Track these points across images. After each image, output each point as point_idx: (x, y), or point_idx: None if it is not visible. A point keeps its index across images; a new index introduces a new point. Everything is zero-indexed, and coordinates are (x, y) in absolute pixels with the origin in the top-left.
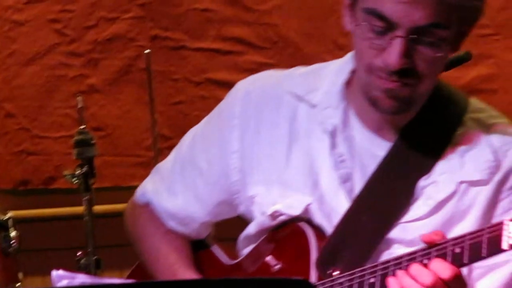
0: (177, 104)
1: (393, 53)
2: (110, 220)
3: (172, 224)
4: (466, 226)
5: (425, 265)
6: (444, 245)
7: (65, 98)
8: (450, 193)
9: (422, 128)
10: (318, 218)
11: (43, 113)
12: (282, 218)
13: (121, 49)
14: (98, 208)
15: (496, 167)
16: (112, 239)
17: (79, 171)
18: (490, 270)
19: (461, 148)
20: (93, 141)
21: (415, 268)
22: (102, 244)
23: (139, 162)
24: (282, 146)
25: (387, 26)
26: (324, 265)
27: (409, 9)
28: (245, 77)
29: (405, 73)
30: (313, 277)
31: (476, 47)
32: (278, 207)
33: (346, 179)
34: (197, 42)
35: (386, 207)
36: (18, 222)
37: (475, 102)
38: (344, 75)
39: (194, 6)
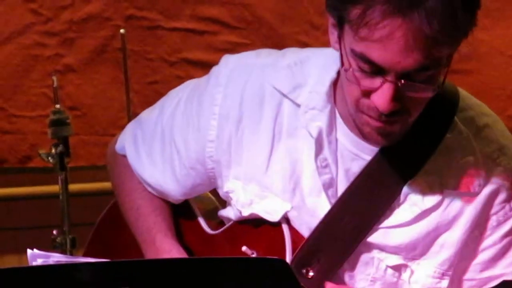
0: (152, 84)
1: (383, 98)
2: (85, 199)
3: (148, 189)
4: (453, 235)
5: None
6: None
7: (41, 78)
8: (436, 202)
9: (411, 132)
10: (296, 224)
11: (18, 92)
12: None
13: (96, 28)
14: (73, 187)
15: (486, 178)
16: (87, 217)
17: (55, 150)
18: (483, 284)
19: (450, 155)
20: (68, 121)
21: None
22: (78, 223)
23: None
24: (265, 143)
25: (376, 70)
26: (299, 265)
27: (399, 57)
28: (219, 57)
29: (395, 113)
30: None
31: None
32: (255, 209)
33: (329, 185)
34: (172, 22)
35: (367, 210)
36: None
37: (465, 96)
38: (330, 74)
39: None
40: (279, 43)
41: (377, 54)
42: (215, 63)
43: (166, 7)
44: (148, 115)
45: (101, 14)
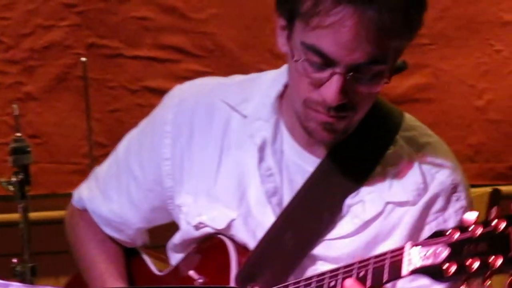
0: (114, 112)
1: (331, 90)
2: (46, 227)
3: (107, 230)
4: (390, 244)
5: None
6: (351, 267)
7: (2, 106)
8: (376, 213)
9: (353, 146)
10: (242, 233)
11: None
12: (206, 230)
13: (57, 56)
14: (33, 215)
15: (424, 189)
16: (47, 246)
17: (15, 178)
18: None
19: (391, 168)
20: (29, 149)
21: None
22: (38, 251)
23: (75, 170)
24: (213, 156)
25: (326, 62)
26: (244, 281)
27: (349, 49)
28: None
29: (342, 107)
30: None
31: (412, 56)
32: (203, 218)
33: (273, 193)
34: (133, 50)
35: (311, 223)
36: None
37: (409, 119)
38: (277, 87)
39: (131, 14)
40: (240, 72)
41: (327, 43)
42: None
43: (127, 35)
44: (101, 166)
45: (62, 42)
